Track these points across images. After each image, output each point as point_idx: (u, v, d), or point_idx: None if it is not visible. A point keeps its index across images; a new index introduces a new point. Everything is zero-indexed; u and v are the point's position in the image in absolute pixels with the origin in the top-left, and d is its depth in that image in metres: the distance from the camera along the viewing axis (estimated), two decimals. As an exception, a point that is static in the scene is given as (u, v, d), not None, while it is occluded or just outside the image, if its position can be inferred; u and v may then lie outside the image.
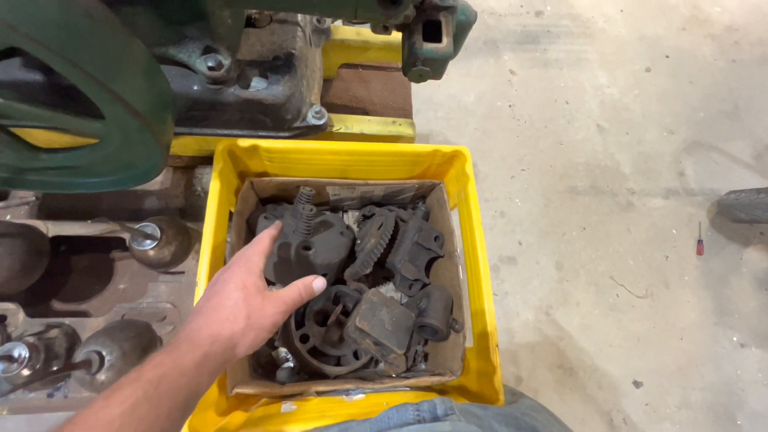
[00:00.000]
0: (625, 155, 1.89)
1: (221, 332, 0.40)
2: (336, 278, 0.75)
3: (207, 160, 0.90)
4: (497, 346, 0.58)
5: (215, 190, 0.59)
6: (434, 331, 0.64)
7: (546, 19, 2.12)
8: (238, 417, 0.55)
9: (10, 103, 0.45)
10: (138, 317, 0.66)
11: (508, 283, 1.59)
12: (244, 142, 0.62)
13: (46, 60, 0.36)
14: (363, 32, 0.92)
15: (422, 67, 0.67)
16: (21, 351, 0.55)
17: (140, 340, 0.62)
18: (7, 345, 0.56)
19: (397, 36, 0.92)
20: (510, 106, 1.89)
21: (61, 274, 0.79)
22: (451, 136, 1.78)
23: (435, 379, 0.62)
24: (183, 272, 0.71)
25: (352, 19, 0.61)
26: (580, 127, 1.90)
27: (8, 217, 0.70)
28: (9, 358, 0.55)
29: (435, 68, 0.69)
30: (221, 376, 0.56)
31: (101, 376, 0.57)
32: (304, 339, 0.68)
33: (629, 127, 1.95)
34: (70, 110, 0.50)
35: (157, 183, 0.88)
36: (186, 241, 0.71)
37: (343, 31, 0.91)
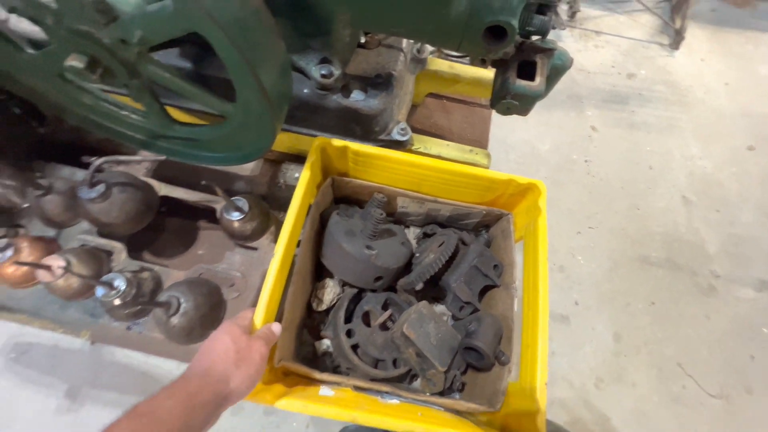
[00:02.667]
0: (713, 234, 1.72)
1: (214, 367, 0.46)
2: (389, 285, 0.78)
3: (293, 158, 0.99)
4: (546, 385, 0.56)
5: (305, 178, 0.66)
6: (480, 356, 0.63)
7: (638, 82, 2.07)
8: (279, 388, 0.58)
9: (174, 78, 0.57)
10: (212, 279, 0.74)
11: (557, 343, 1.48)
12: (338, 142, 0.69)
13: (217, 45, 0.46)
14: (455, 66, 0.99)
15: (511, 100, 0.70)
16: (120, 282, 0.64)
17: (210, 298, 0.69)
18: (111, 275, 0.66)
19: (484, 73, 0.98)
20: (586, 161, 1.84)
21: (157, 231, 0.91)
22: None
23: (471, 406, 0.60)
24: (256, 248, 0.79)
25: (455, 50, 0.67)
26: (662, 195, 1.78)
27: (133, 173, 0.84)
28: (109, 285, 0.64)
29: (523, 104, 0.72)
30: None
31: (174, 320, 0.64)
32: (350, 334, 0.70)
33: (721, 205, 1.78)
34: (211, 91, 0.60)
35: (248, 169, 1.00)
36: (265, 222, 0.79)
37: (438, 63, 0.98)
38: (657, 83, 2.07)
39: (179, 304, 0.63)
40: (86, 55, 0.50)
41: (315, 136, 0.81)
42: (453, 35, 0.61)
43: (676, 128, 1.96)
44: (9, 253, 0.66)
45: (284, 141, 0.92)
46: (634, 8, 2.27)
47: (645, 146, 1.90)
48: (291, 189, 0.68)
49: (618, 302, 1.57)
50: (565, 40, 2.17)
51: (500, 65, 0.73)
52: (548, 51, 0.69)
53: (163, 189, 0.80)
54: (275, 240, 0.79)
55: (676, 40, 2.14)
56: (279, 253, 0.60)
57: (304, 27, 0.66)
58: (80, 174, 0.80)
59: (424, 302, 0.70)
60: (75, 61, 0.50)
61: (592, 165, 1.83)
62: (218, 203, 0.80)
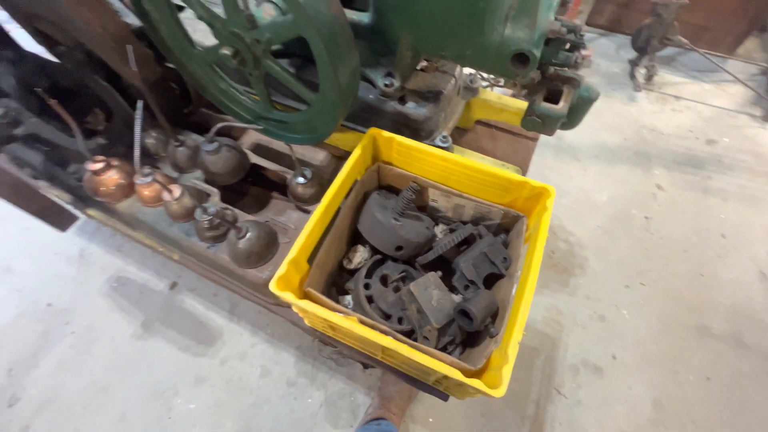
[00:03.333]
0: (795, 319, 1.51)
1: None
2: (408, 259, 0.91)
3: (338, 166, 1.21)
4: (518, 343, 0.63)
5: (356, 155, 0.85)
6: (470, 319, 0.72)
7: (719, 149, 1.98)
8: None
9: (281, 71, 0.82)
10: (273, 226, 0.95)
11: (584, 392, 1.40)
12: (386, 133, 0.88)
13: (314, 46, 0.69)
14: (503, 98, 1.14)
15: (535, 118, 0.84)
16: (212, 209, 0.88)
17: (269, 236, 0.90)
18: (206, 204, 0.90)
19: (521, 105, 1.12)
20: (646, 217, 1.78)
21: (241, 194, 1.17)
22: (568, 224, 1.78)
23: (454, 360, 0.69)
24: (310, 211, 0.99)
25: (489, 72, 0.84)
26: (734, 267, 1.63)
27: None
28: (204, 210, 0.88)
29: (546, 124, 0.85)
30: (303, 272, 0.77)
31: (241, 243, 0.85)
32: (367, 287, 0.84)
33: (810, 289, 1.57)
34: (303, 84, 0.84)
35: (318, 160, 1.23)
36: (320, 192, 0.98)
37: (488, 93, 1.15)
38: (742, 152, 1.96)
39: (247, 231, 0.84)
40: (233, 48, 0.78)
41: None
42: (487, 59, 0.78)
43: (762, 201, 1.81)
44: (149, 179, 0.95)
45: (348, 140, 1.14)
46: (723, 78, 2.22)
47: (718, 213, 1.78)
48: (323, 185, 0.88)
49: (664, 367, 1.44)
50: (639, 101, 2.19)
51: (530, 89, 0.87)
52: (573, 81, 0.82)
53: (254, 158, 1.06)
54: (325, 208, 0.98)
55: (771, 112, 2.03)
56: (324, 203, 0.78)
57: (377, 47, 0.88)
58: (203, 139, 1.10)
59: (433, 273, 0.82)
60: (226, 50, 0.77)
61: (653, 223, 1.77)
62: (290, 174, 1.02)
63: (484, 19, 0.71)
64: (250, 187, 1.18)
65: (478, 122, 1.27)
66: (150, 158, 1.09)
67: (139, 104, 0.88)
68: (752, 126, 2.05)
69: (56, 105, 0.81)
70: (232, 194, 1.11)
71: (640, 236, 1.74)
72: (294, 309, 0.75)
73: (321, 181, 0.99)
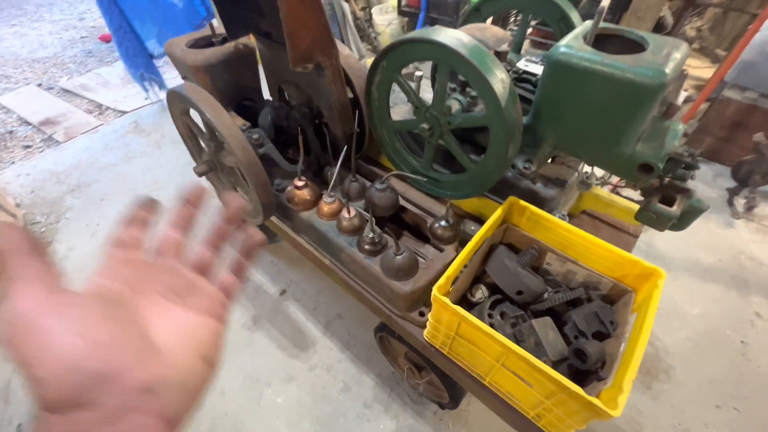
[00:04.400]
0: None
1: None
2: (523, 303, 1.09)
3: (471, 217, 1.47)
4: (632, 381, 0.76)
5: (497, 215, 1.10)
6: (584, 360, 0.87)
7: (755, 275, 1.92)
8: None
9: (455, 145, 1.14)
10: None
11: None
12: (523, 202, 1.13)
13: (497, 132, 1.00)
14: (612, 195, 1.36)
15: (651, 214, 1.04)
16: (378, 231, 1.17)
17: (414, 261, 1.15)
18: (373, 227, 1.20)
19: (633, 205, 1.32)
20: (742, 342, 1.75)
21: (385, 224, 1.47)
22: (656, 329, 1.80)
23: (573, 386, 0.83)
24: (443, 250, 1.24)
25: (616, 174, 1.08)
26: None
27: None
28: (372, 230, 1.18)
29: (660, 221, 1.04)
30: (446, 290, 0.99)
31: (397, 259, 1.11)
32: (490, 316, 1.03)
33: None
34: (467, 154, 1.16)
35: (441, 213, 1.51)
36: (453, 237, 1.24)
37: (599, 189, 1.38)
38: None
39: (404, 251, 1.11)
40: (429, 124, 1.13)
41: (501, 203, 1.28)
42: (617, 165, 1.03)
43: None
44: (332, 199, 1.29)
45: (473, 203, 1.42)
46: (834, 224, 2.20)
47: (829, 358, 1.68)
48: (466, 234, 1.14)
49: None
50: (737, 228, 2.23)
51: (647, 191, 1.09)
52: (687, 192, 1.03)
53: (402, 201, 1.37)
54: (455, 249, 1.23)
55: None
56: (471, 244, 1.03)
57: (527, 140, 1.18)
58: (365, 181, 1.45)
59: (549, 318, 1.00)
60: (425, 125, 1.12)
61: (750, 349, 1.72)
62: (429, 218, 1.31)
63: (621, 138, 0.97)
64: (388, 222, 1.49)
65: (584, 212, 1.48)
66: (327, 185, 1.46)
67: (344, 151, 1.26)
68: None
69: (301, 142, 1.21)
70: (380, 224, 1.41)
71: (734, 359, 1.69)
72: (437, 312, 0.96)
73: (453, 228, 1.25)
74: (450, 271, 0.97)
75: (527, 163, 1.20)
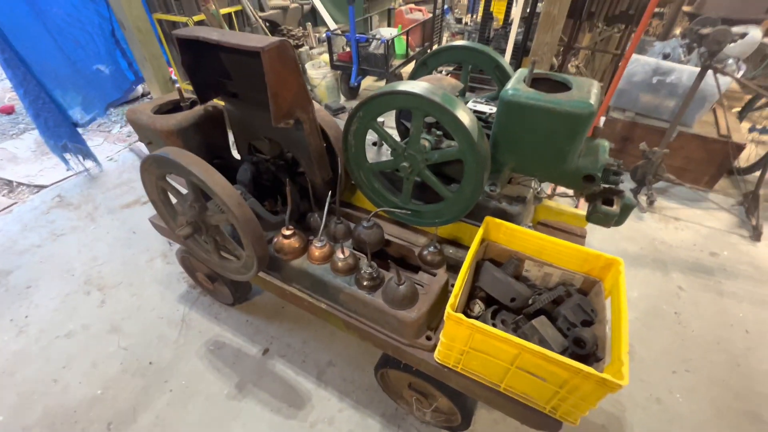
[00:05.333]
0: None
1: None
2: (517, 309, 1.22)
3: (447, 241, 1.60)
4: (627, 354, 0.91)
5: (480, 234, 1.25)
6: (582, 346, 1.01)
7: (722, 260, 2.39)
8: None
9: (432, 177, 1.29)
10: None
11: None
12: (498, 220, 1.29)
13: (470, 164, 1.16)
14: (561, 205, 1.61)
15: (600, 215, 1.26)
16: (374, 266, 1.24)
17: (414, 288, 1.23)
18: (364, 263, 1.26)
19: (578, 212, 1.56)
20: (675, 313, 2.07)
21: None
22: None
23: (580, 365, 0.95)
24: (435, 274, 1.33)
25: (565, 186, 1.30)
26: (765, 360, 1.85)
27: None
28: (370, 266, 1.23)
29: (607, 219, 1.27)
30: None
31: (401, 289, 1.18)
32: (494, 326, 1.13)
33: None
34: (443, 186, 1.30)
35: (420, 242, 1.63)
36: (442, 261, 1.35)
37: (549, 202, 1.62)
38: (742, 264, 2.36)
39: (405, 280, 1.18)
40: (408, 162, 1.26)
41: (475, 225, 1.44)
42: (565, 178, 1.25)
43: (771, 305, 2.12)
44: (322, 243, 1.33)
45: (447, 229, 1.56)
46: (710, 206, 2.77)
47: (737, 312, 2.07)
48: (449, 257, 1.28)
49: (728, 451, 1.54)
50: (647, 220, 2.70)
51: (591, 198, 1.32)
52: (620, 192, 1.28)
53: (387, 233, 1.46)
54: (445, 272, 1.34)
55: (755, 234, 2.50)
56: (466, 264, 1.14)
57: (492, 167, 1.37)
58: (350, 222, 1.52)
59: (543, 317, 1.13)
60: (405, 163, 1.25)
61: (682, 318, 2.05)
62: (416, 246, 1.41)
63: (566, 157, 1.20)
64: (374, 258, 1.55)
65: (540, 223, 1.71)
66: (311, 231, 1.49)
67: (329, 197, 1.33)
68: (744, 243, 2.50)
69: (289, 192, 1.25)
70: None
71: (674, 329, 2.00)
72: (451, 330, 1.03)
73: (441, 253, 1.37)
74: (457, 289, 1.07)
75: (492, 186, 1.38)
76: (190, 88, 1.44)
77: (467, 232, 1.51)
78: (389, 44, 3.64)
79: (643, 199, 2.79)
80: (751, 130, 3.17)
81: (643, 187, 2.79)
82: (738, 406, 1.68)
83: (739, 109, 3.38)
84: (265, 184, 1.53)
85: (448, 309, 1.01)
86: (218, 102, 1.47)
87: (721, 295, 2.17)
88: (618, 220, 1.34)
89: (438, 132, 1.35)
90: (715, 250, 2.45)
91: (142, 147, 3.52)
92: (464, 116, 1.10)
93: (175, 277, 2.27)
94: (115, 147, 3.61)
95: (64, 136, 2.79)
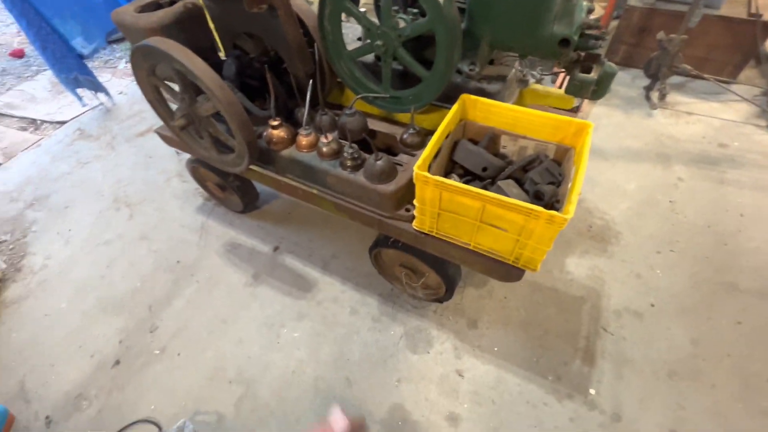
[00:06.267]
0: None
1: None
2: (491, 178, 1.29)
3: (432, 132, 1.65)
4: (577, 197, 0.99)
5: (453, 111, 1.28)
6: (541, 199, 1.09)
7: (731, 150, 2.32)
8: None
9: (407, 57, 1.30)
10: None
11: (628, 331, 1.64)
12: (473, 97, 1.31)
13: (440, 34, 1.16)
14: (547, 88, 1.59)
15: (576, 83, 1.26)
16: (355, 147, 1.32)
17: (392, 165, 1.32)
18: (348, 146, 1.34)
19: (562, 93, 1.54)
20: (670, 201, 2.09)
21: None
22: (602, 206, 2.10)
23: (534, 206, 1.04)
24: (416, 155, 1.41)
25: (542, 56, 1.28)
26: (755, 238, 1.89)
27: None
28: (351, 147, 1.32)
29: (584, 87, 1.27)
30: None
31: (377, 165, 1.27)
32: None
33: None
34: (421, 65, 1.31)
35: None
36: (422, 143, 1.42)
37: (536, 85, 1.60)
38: (752, 153, 2.28)
39: (381, 157, 1.27)
40: (382, 40, 1.27)
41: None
42: (541, 45, 1.23)
43: (774, 190, 2.09)
44: (308, 131, 1.42)
45: (432, 120, 1.59)
46: (729, 99, 2.61)
47: (736, 198, 2.06)
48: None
49: (698, 314, 1.66)
50: (656, 117, 2.59)
51: (569, 68, 1.31)
52: (598, 58, 1.25)
53: (370, 123, 1.52)
54: (426, 152, 1.41)
55: (774, 123, 2.37)
56: (436, 134, 1.20)
57: (467, 44, 1.36)
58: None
59: (510, 180, 1.20)
60: (378, 41, 1.27)
61: (677, 205, 2.07)
62: (397, 133, 1.47)
63: (541, 20, 1.17)
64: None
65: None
66: (300, 126, 1.57)
67: (310, 85, 1.38)
68: (759, 133, 2.38)
69: (270, 79, 1.31)
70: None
71: (666, 216, 2.03)
72: (420, 192, 1.13)
73: (421, 134, 1.43)
74: (426, 152, 1.15)
75: (471, 65, 1.38)
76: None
77: (439, 118, 1.54)
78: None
79: (655, 95, 2.65)
80: (791, 8, 2.81)
81: (656, 81, 2.63)
82: (716, 278, 1.77)
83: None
84: (253, 84, 1.59)
85: (415, 169, 1.10)
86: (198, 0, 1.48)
87: (722, 184, 2.15)
88: (597, 90, 1.33)
89: (414, 10, 1.33)
90: (725, 141, 2.37)
91: (148, 79, 3.59)
92: (429, -23, 1.08)
93: (191, 193, 2.47)
94: (123, 82, 3.69)
95: (73, 67, 2.87)
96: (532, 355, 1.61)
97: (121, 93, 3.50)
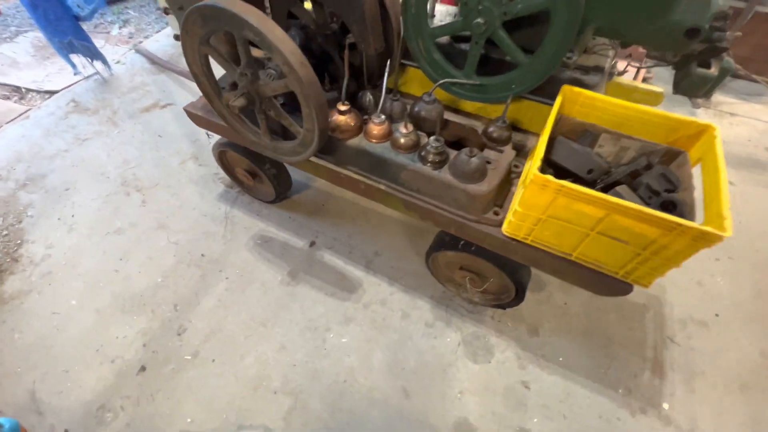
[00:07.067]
0: None
1: None
2: (593, 181, 1.17)
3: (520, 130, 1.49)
4: (729, 209, 0.87)
5: (557, 105, 1.13)
6: (673, 209, 0.97)
7: (777, 155, 2.27)
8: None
9: (507, 40, 1.13)
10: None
11: (696, 341, 1.58)
12: (576, 89, 1.17)
13: (559, 14, 1.00)
14: (634, 82, 1.46)
15: (694, 79, 1.13)
16: (441, 140, 1.16)
17: (482, 162, 1.17)
18: (431, 138, 1.18)
19: (652, 87, 1.42)
20: (723, 206, 2.03)
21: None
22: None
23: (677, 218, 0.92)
24: (503, 150, 1.26)
25: (658, 47, 1.14)
26: (811, 247, 1.86)
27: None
28: (437, 140, 1.16)
29: (701, 85, 1.14)
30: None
31: (472, 162, 1.12)
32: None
33: None
34: (520, 48, 1.15)
35: (479, 127, 1.53)
36: (508, 138, 1.27)
37: (622, 79, 1.47)
38: (799, 158, 2.25)
39: (476, 153, 1.12)
40: (483, 17, 1.10)
41: (542, 102, 1.32)
42: (662, 35, 1.09)
43: (823, 198, 2.06)
44: (381, 119, 1.24)
45: (516, 109, 1.43)
46: (770, 101, 2.56)
47: (788, 205, 2.03)
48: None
49: (765, 324, 1.62)
50: (699, 116, 2.51)
51: (682, 65, 1.18)
52: (720, 50, 1.12)
53: (446, 114, 1.35)
54: (513, 147, 1.27)
55: (818, 127, 2.34)
56: (548, 127, 1.06)
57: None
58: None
59: (624, 185, 1.08)
60: (479, 19, 1.09)
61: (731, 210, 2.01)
62: (478, 126, 1.32)
63: (670, 5, 1.03)
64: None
65: (605, 104, 1.57)
66: (362, 111, 1.39)
67: (388, 65, 1.20)
68: (804, 138, 2.36)
69: (346, 60, 1.12)
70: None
71: (720, 221, 1.97)
72: (531, 197, 1.00)
73: (509, 128, 1.28)
74: (539, 152, 1.00)
75: (569, 53, 1.23)
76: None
77: (527, 112, 1.39)
78: None
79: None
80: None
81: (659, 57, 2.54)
82: (779, 287, 1.73)
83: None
84: (310, 60, 1.38)
85: (533, 171, 0.96)
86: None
87: (772, 189, 2.11)
88: (709, 88, 1.21)
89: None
90: (771, 145, 2.33)
91: (150, 47, 3.25)
92: (566, -57, 0.91)
93: (211, 178, 2.24)
94: (119, 49, 3.33)
95: (68, 31, 2.53)
96: (599, 366, 1.53)
97: (118, 62, 3.16)
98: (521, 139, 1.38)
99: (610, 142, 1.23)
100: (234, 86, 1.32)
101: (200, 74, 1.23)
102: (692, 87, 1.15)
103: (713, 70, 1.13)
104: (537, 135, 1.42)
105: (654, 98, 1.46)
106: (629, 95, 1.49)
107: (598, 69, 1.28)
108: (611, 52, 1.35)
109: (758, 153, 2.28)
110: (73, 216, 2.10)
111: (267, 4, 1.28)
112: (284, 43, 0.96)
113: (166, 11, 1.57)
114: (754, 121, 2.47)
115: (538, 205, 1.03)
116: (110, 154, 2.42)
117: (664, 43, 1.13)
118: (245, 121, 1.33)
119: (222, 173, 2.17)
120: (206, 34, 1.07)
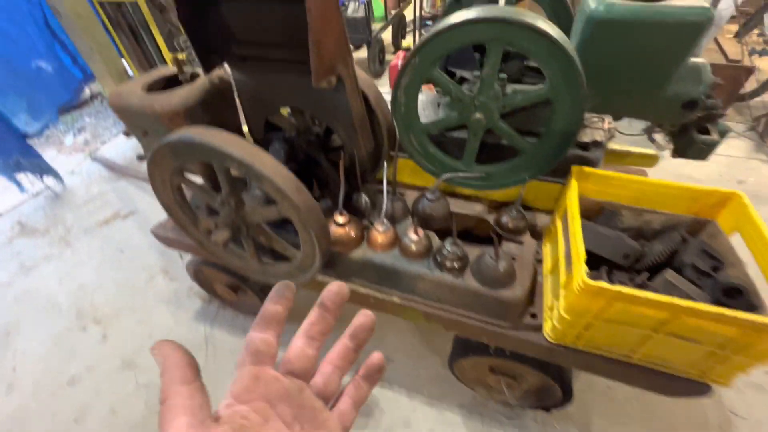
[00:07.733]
0: None
1: None
2: (629, 265, 1.06)
3: (504, 204, 1.42)
4: None
5: (573, 189, 1.06)
6: (736, 295, 0.86)
7: (749, 187, 2.36)
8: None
9: (510, 131, 1.07)
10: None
11: (758, 411, 1.42)
12: (587, 169, 1.11)
13: (562, 102, 0.95)
14: (626, 147, 1.45)
15: (702, 146, 1.11)
16: (457, 243, 1.03)
17: (510, 261, 1.04)
18: (446, 242, 1.05)
19: (644, 151, 1.41)
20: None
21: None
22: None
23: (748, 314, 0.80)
24: (522, 242, 1.15)
25: (658, 119, 1.13)
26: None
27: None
28: (453, 244, 1.03)
29: (707, 150, 1.12)
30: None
31: (500, 265, 0.98)
32: (616, 290, 0.97)
33: None
34: (523, 138, 1.10)
35: (476, 210, 1.43)
36: (524, 227, 1.17)
37: (613, 145, 1.46)
38: (765, 187, 2.33)
39: (501, 256, 0.99)
40: (482, 113, 1.04)
41: (545, 181, 1.25)
42: (660, 109, 1.08)
43: (808, 223, 2.11)
44: (386, 227, 1.11)
45: (507, 191, 1.37)
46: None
47: (781, 236, 2.04)
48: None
49: (816, 376, 1.50)
50: (667, 158, 2.62)
51: (681, 132, 1.16)
52: (716, 116, 1.12)
53: (452, 205, 1.25)
54: (531, 236, 1.16)
55: (775, 156, 2.49)
56: (576, 218, 0.96)
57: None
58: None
59: (669, 269, 0.97)
60: (478, 114, 1.03)
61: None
62: (487, 216, 1.21)
63: (666, 81, 1.02)
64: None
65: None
66: (358, 214, 1.26)
67: (385, 168, 1.10)
68: (766, 167, 2.48)
69: (342, 166, 1.01)
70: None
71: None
72: (580, 303, 0.86)
73: (525, 217, 1.18)
74: (581, 252, 0.88)
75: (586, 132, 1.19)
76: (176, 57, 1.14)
77: (530, 191, 1.32)
78: (369, 5, 3.31)
79: (659, 135, 2.71)
80: (752, 53, 3.14)
81: (658, 126, 2.70)
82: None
83: (731, 35, 3.34)
84: (295, 167, 1.27)
85: (581, 277, 0.83)
86: (226, 73, 1.18)
87: (760, 222, 2.13)
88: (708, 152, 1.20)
89: (502, 75, 1.13)
90: (741, 178, 2.42)
91: (108, 154, 3.08)
92: (563, 39, 0.88)
93: (184, 294, 1.98)
94: (72, 159, 3.13)
95: (13, 150, 2.34)
96: (669, 461, 1.32)
97: (72, 173, 2.95)
98: (530, 218, 1.29)
99: (631, 218, 1.15)
100: (211, 210, 1.16)
101: (172, 205, 1.06)
102: (700, 153, 1.13)
103: (715, 136, 1.11)
104: (543, 212, 1.34)
105: (648, 161, 1.45)
106: (622, 160, 1.47)
107: (597, 144, 1.24)
108: (605, 124, 1.34)
109: (733, 187, 2.35)
110: (14, 370, 1.73)
111: (242, 119, 1.18)
112: (274, 170, 0.83)
113: (126, 134, 1.44)
114: (716, 157, 2.58)
115: (588, 311, 0.89)
116: (62, 280, 2.11)
117: (662, 116, 1.11)
118: (229, 246, 1.15)
119: (198, 287, 1.92)
120: (178, 166, 0.93)
